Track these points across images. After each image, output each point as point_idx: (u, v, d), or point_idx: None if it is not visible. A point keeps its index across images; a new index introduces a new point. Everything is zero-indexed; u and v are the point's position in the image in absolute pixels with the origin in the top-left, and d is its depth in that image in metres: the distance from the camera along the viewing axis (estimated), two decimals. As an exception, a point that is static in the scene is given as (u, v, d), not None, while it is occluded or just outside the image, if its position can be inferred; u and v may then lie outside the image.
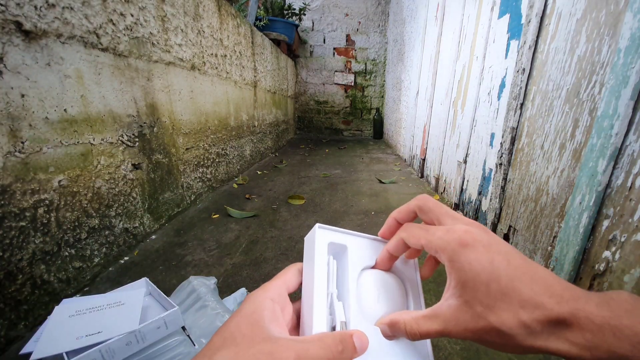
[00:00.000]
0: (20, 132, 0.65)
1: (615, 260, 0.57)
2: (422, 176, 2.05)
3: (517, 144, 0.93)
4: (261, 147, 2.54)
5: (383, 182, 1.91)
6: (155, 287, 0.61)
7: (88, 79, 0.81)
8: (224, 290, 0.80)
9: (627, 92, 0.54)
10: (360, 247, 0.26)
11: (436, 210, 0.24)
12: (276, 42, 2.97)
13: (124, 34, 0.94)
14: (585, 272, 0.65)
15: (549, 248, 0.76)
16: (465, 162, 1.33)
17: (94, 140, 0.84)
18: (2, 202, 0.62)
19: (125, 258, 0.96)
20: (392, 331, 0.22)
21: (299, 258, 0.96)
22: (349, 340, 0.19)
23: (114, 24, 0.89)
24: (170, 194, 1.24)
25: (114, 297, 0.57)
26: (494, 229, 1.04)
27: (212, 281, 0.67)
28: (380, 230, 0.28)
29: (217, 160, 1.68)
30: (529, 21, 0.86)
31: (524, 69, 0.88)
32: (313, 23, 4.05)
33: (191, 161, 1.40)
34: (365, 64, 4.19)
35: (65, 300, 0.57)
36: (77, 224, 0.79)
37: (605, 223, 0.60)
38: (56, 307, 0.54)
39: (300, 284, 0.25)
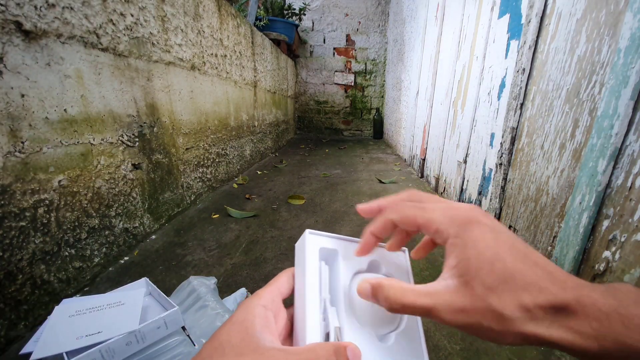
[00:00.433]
0: (20, 132, 0.65)
1: (615, 260, 0.57)
2: (422, 176, 2.05)
3: (517, 144, 0.93)
4: (261, 147, 2.54)
5: (383, 182, 1.91)
6: (155, 287, 0.61)
7: (88, 79, 0.81)
8: (224, 290, 0.80)
9: (627, 92, 0.55)
10: (352, 252, 0.26)
11: (426, 200, 0.23)
12: (276, 42, 2.97)
13: (124, 34, 0.94)
14: (585, 272, 0.65)
15: (549, 248, 0.76)
16: (465, 162, 1.33)
17: (94, 140, 0.84)
18: (2, 202, 0.62)
19: (125, 258, 0.96)
20: (373, 293, 0.21)
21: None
22: (342, 352, 0.18)
23: (114, 24, 0.89)
24: (170, 194, 1.24)
25: (114, 297, 0.57)
26: (494, 229, 1.04)
27: (212, 281, 0.67)
28: (367, 218, 0.25)
29: (217, 160, 1.68)
30: (529, 21, 0.86)
31: (524, 69, 0.88)
32: (313, 23, 4.05)
33: (191, 161, 1.40)
34: (365, 64, 4.19)
35: (65, 300, 0.57)
36: (77, 224, 0.79)
37: (605, 223, 0.60)
38: (56, 307, 0.54)
39: (293, 289, 0.25)
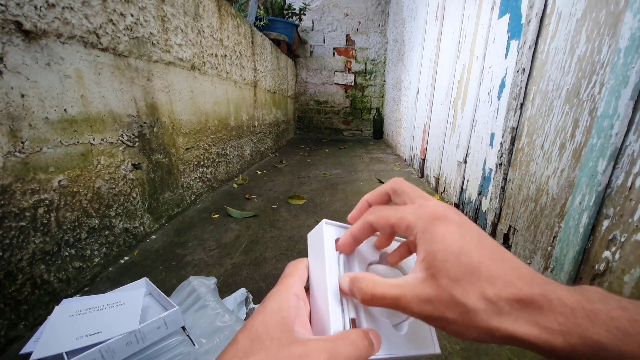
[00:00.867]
0: (20, 132, 0.65)
1: (615, 260, 0.57)
2: (422, 176, 2.05)
3: (517, 144, 0.93)
4: (261, 147, 2.54)
5: (383, 182, 1.91)
6: (155, 287, 0.61)
7: (88, 79, 0.81)
8: (224, 290, 0.80)
9: (627, 92, 0.55)
10: (366, 242, 0.27)
11: (410, 193, 0.23)
12: (276, 42, 2.97)
13: (124, 34, 0.94)
14: (585, 272, 0.65)
15: (549, 248, 0.76)
16: (465, 162, 1.33)
17: (94, 140, 0.84)
18: (2, 202, 0.62)
19: (125, 258, 0.96)
20: (350, 286, 0.21)
21: (299, 258, 0.96)
22: (369, 337, 0.19)
23: (114, 24, 0.89)
24: (170, 194, 1.24)
25: (114, 297, 0.57)
26: (494, 229, 1.04)
27: (212, 281, 0.67)
28: (350, 212, 0.26)
29: (217, 160, 1.68)
30: (529, 21, 0.86)
31: (524, 69, 0.88)
32: (313, 23, 4.05)
33: (191, 161, 1.40)
34: (365, 64, 4.19)
35: (65, 300, 0.57)
36: (77, 224, 0.79)
37: (605, 223, 0.60)
38: (56, 307, 0.54)
39: (307, 279, 0.25)
